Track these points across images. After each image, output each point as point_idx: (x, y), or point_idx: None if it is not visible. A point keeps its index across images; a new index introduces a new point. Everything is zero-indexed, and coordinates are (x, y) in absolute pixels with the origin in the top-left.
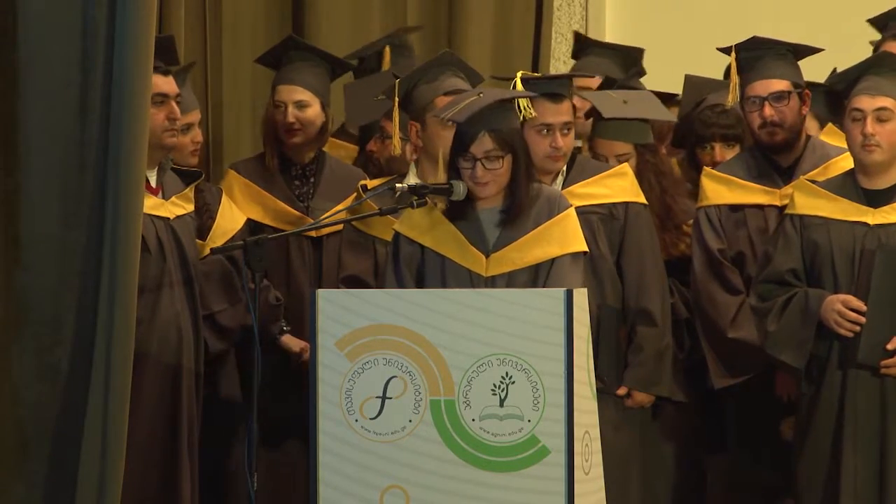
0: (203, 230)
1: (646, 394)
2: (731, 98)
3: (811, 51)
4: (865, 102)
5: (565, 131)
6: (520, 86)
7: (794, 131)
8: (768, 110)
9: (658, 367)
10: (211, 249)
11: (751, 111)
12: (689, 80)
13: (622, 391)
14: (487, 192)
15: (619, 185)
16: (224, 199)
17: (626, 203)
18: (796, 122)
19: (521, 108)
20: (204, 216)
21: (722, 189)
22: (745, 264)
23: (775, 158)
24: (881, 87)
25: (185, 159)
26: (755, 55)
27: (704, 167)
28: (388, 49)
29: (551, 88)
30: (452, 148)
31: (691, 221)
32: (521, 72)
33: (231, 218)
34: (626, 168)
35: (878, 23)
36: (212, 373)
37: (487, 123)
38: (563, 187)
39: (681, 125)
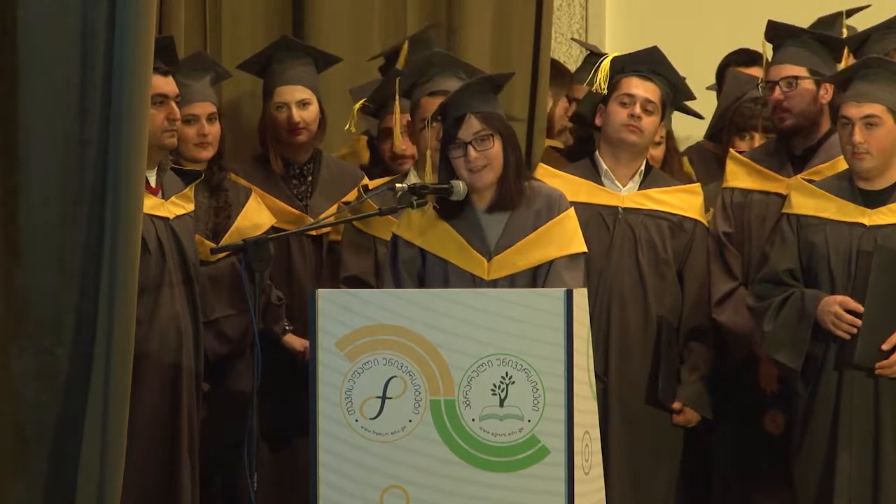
0: (218, 230)
1: (695, 413)
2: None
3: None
4: (853, 110)
5: (648, 109)
6: (605, 66)
7: (804, 118)
8: (777, 93)
9: (707, 389)
10: (211, 250)
11: (766, 96)
12: (732, 75)
13: (677, 405)
14: (485, 178)
15: (690, 202)
16: (252, 200)
17: (696, 221)
18: (807, 109)
19: (598, 80)
20: (221, 215)
21: (741, 172)
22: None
23: (791, 146)
24: (868, 94)
25: (189, 151)
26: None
27: (730, 150)
28: (406, 45)
29: (640, 65)
30: (441, 142)
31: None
32: (612, 54)
33: (253, 221)
34: (698, 188)
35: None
36: (220, 372)
37: (470, 107)
38: (640, 188)
39: (720, 119)
